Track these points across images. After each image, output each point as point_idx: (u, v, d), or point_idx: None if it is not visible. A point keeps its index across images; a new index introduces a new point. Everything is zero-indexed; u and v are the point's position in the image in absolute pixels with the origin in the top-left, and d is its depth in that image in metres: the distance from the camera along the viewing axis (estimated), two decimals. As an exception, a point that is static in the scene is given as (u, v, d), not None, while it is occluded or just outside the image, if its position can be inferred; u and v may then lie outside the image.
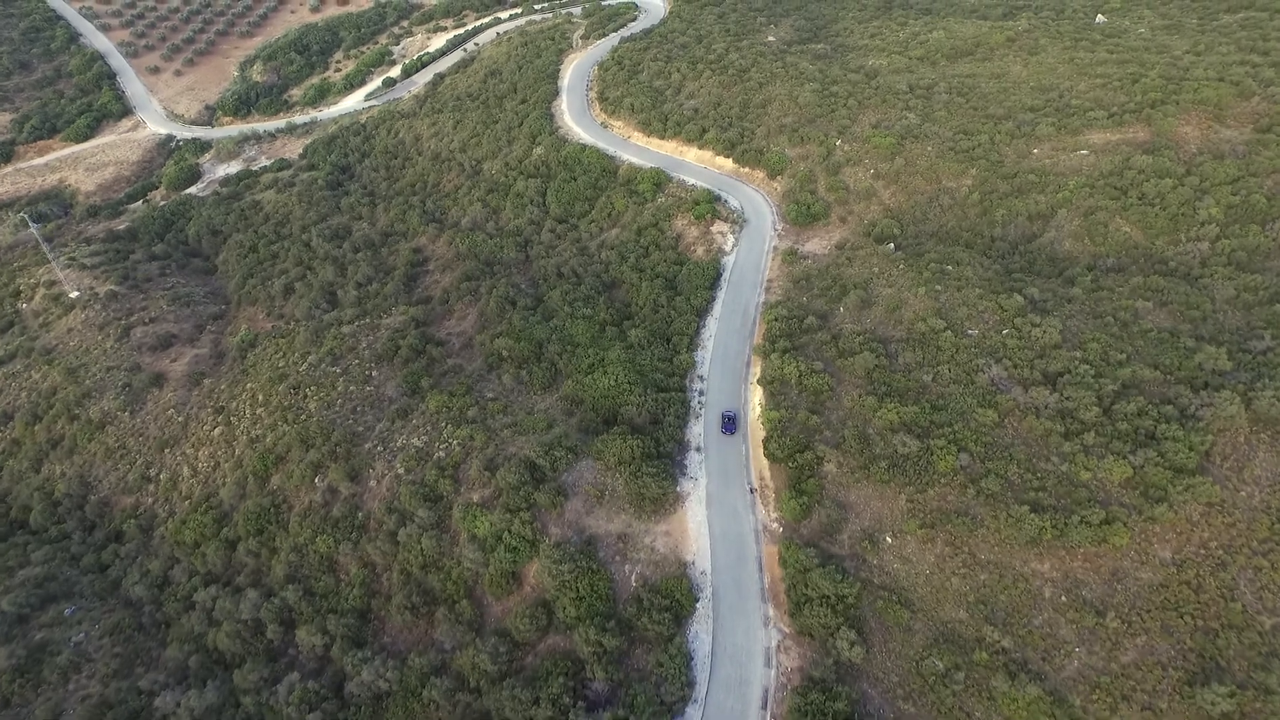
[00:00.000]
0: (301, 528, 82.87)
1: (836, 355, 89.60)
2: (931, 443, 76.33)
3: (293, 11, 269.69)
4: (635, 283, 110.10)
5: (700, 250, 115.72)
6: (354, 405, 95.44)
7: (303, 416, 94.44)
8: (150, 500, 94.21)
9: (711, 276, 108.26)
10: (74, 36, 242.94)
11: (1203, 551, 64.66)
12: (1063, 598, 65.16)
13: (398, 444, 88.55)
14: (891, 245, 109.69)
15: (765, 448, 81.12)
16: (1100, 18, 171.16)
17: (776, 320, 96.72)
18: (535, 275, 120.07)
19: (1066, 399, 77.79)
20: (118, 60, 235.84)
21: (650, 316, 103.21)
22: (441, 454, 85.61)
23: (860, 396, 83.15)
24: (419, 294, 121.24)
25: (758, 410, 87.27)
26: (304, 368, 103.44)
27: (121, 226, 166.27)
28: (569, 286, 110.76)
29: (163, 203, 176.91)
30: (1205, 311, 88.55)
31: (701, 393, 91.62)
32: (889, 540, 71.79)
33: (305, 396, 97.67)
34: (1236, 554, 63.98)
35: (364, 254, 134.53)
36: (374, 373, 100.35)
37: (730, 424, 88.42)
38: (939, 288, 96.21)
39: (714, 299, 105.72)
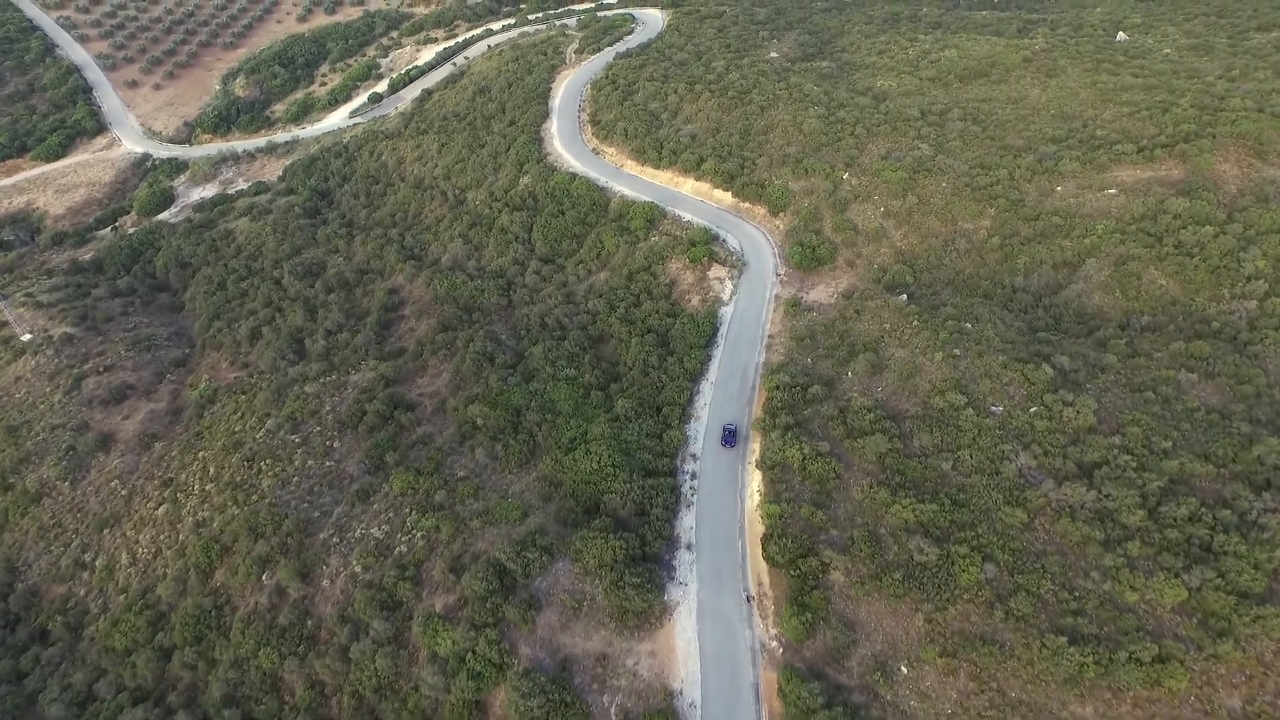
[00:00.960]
0: (244, 637, 73.81)
1: (844, 434, 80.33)
2: (952, 549, 67.16)
3: (279, 21, 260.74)
4: (624, 338, 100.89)
5: (695, 300, 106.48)
6: (311, 484, 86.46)
7: (254, 497, 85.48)
8: (83, 591, 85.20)
9: (707, 333, 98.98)
10: (50, 48, 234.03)
11: None
12: (1109, 754, 56.09)
13: (356, 534, 79.54)
14: (904, 296, 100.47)
15: (764, 549, 71.88)
16: (1121, 35, 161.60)
17: (778, 389, 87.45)
18: (517, 324, 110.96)
19: (1106, 497, 68.52)
20: (95, 73, 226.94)
21: (639, 380, 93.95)
22: (403, 549, 76.59)
23: (871, 488, 73.89)
24: (392, 344, 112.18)
25: (756, 499, 78.07)
26: (261, 434, 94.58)
27: (87, 256, 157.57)
28: (552, 342, 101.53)
29: (132, 230, 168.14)
30: (1258, 386, 79.18)
31: (694, 475, 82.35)
32: (904, 670, 62.64)
33: (259, 471, 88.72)
34: (1319, 708, 54.88)
35: (336, 295, 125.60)
36: (335, 443, 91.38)
37: (730, 437, 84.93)
38: (957, 352, 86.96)
39: (710, 359, 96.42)
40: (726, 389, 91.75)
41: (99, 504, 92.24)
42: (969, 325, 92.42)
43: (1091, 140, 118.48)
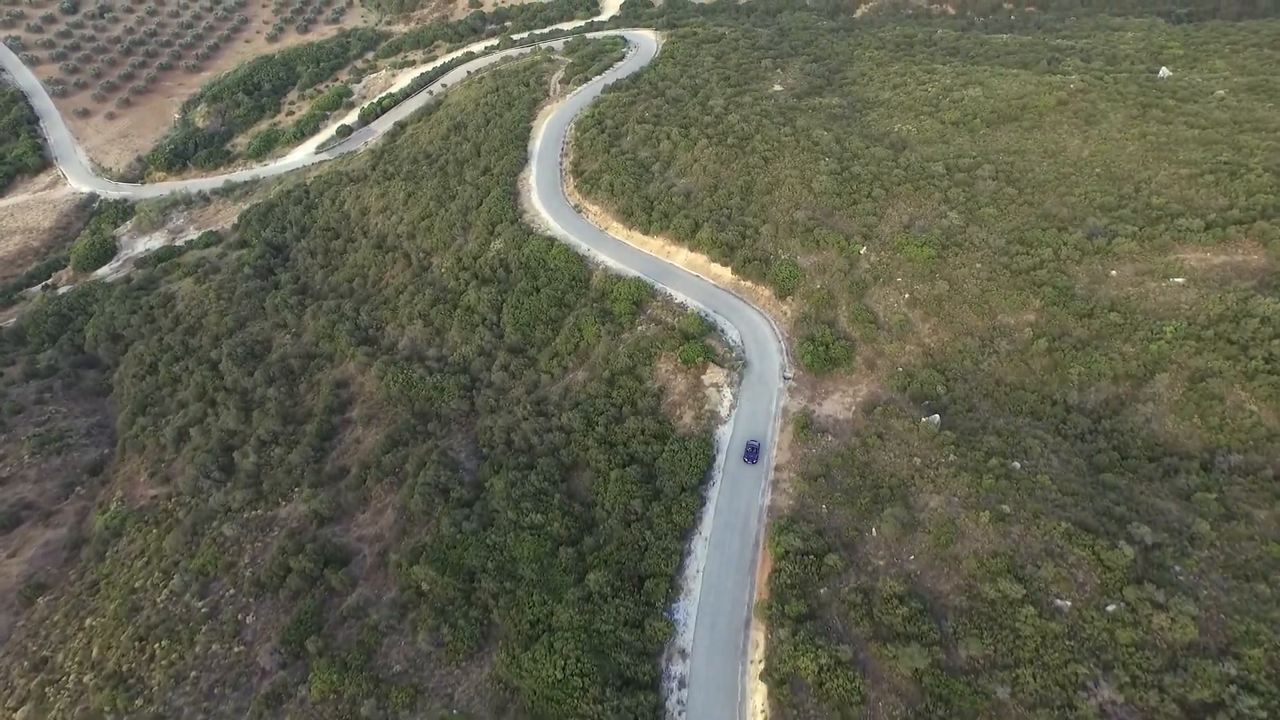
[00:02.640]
0: None
1: (871, 633, 64.00)
2: (1021, 835, 51.01)
3: (247, 41, 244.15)
4: (603, 469, 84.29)
5: (688, 416, 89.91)
6: (213, 681, 70.17)
7: (139, 700, 69.16)
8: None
9: (701, 467, 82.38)
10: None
11: None
12: None
13: (258, 765, 63.45)
14: (935, 416, 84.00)
15: (772, 815, 55.80)
16: (1164, 71, 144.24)
17: (787, 557, 71.00)
18: (479, 436, 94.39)
19: (1222, 762, 52.29)
20: (43, 100, 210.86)
21: (619, 533, 77.39)
22: (314, 794, 60.56)
23: (909, 724, 57.63)
24: (332, 461, 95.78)
25: (761, 724, 61.86)
26: (163, 596, 78.52)
27: (10, 323, 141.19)
28: (517, 473, 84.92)
29: (65, 288, 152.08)
30: (1396, 578, 62.78)
31: (681, 683, 65.77)
32: None
33: (151, 658, 72.53)
34: None
35: (277, 387, 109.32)
36: (249, 617, 75.13)
37: (753, 454, 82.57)
38: (1007, 509, 70.51)
39: (704, 503, 79.80)
40: (724, 549, 75.16)
41: (-46, 694, 76.18)
42: (1017, 464, 76.18)
43: (1147, 211, 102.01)
